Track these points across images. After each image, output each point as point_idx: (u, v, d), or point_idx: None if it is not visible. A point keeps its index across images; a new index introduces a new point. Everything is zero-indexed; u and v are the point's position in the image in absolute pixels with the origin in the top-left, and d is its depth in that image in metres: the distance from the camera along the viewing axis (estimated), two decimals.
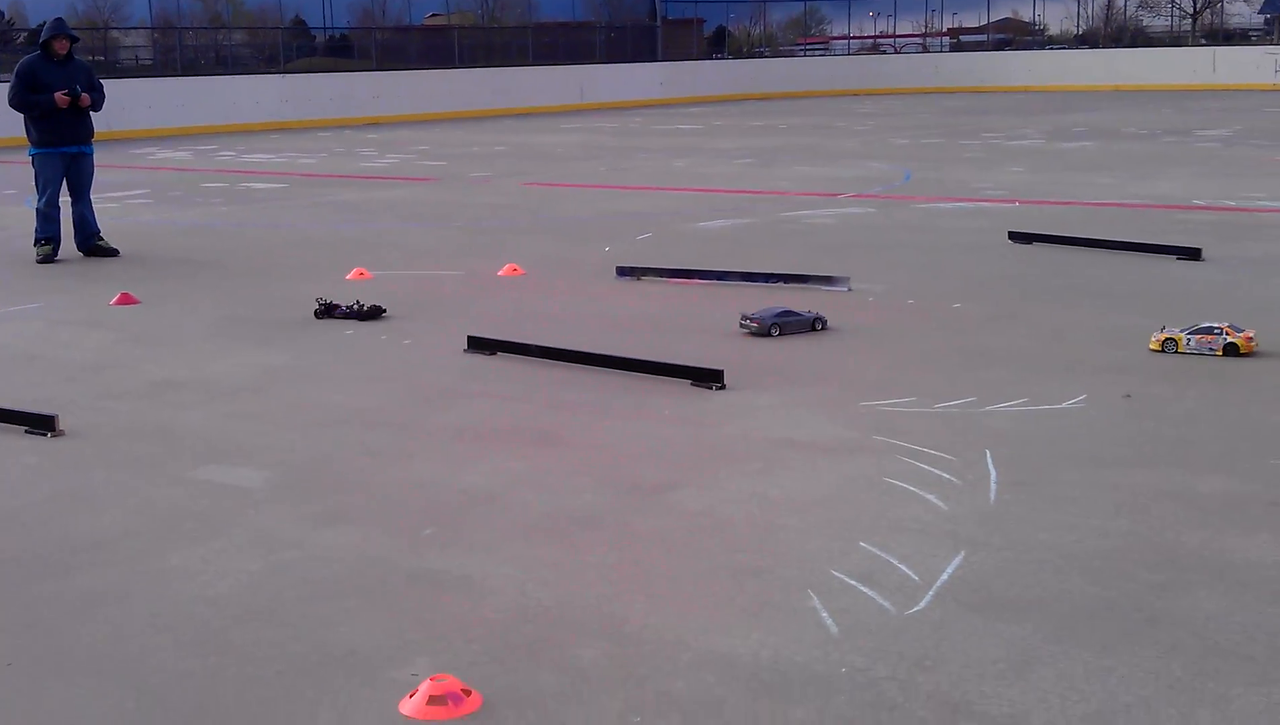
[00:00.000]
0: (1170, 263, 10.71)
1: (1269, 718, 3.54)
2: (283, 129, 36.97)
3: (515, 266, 11.27)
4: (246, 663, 4.05)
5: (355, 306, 9.48)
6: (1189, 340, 7.65)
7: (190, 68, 41.68)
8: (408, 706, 3.72)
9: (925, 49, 61.28)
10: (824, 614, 4.26)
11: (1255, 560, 4.62)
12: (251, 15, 48.12)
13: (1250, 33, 61.63)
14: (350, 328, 9.09)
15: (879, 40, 68.30)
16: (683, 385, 7.20)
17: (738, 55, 60.71)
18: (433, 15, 53.68)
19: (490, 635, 4.18)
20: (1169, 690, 3.71)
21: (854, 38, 66.03)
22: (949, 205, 15.17)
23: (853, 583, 4.51)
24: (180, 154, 28.17)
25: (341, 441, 6.39)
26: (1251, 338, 7.67)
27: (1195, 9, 57.99)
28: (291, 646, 4.15)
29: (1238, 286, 9.69)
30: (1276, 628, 4.08)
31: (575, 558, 4.81)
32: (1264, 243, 11.71)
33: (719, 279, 10.39)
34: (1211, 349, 7.61)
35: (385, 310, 9.56)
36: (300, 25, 48.30)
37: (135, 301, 10.23)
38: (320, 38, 48.60)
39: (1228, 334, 7.63)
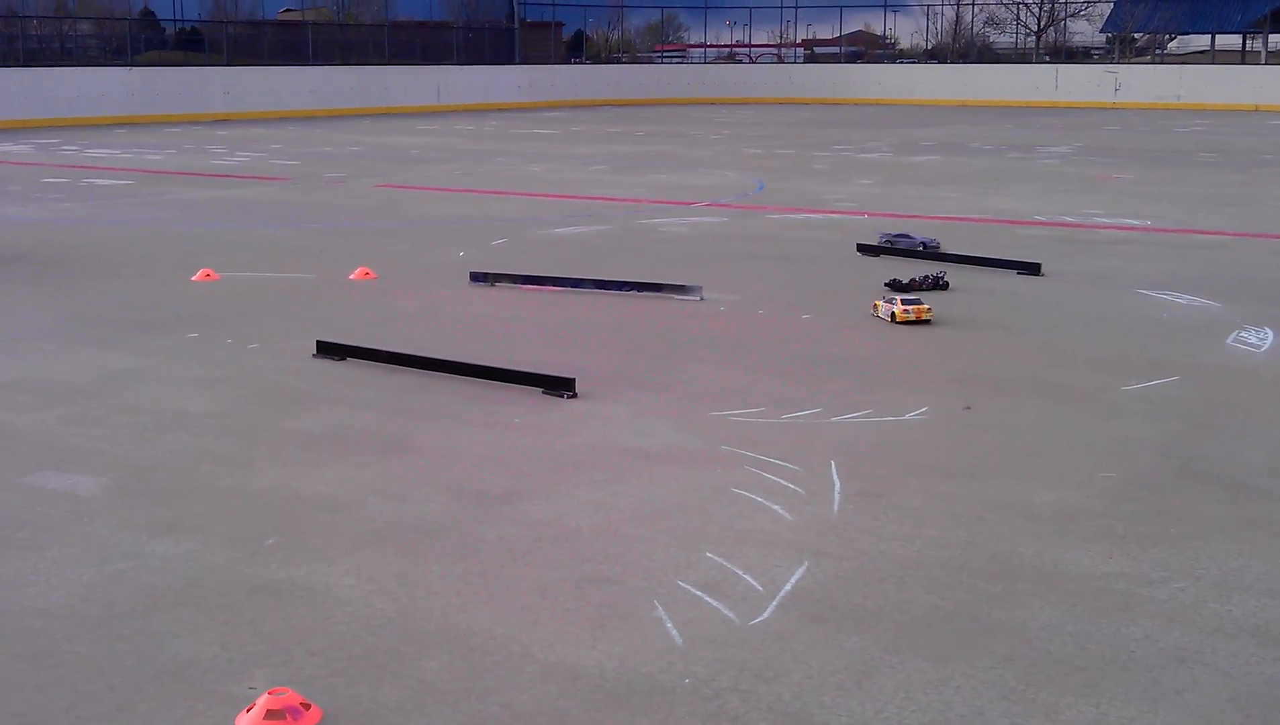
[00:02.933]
0: (1011, 277, 11.01)
1: None
2: (129, 123, 36.05)
3: (367, 270, 11.14)
4: (79, 676, 3.94)
5: (925, 278, 10.21)
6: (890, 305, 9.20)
7: (33, 58, 40.39)
8: (244, 721, 3.65)
9: (780, 59, 62.14)
10: (669, 624, 4.29)
11: (1087, 572, 4.76)
12: (98, 5, 46.83)
13: (1092, 51, 63.66)
14: (196, 331, 8.89)
15: (735, 49, 69.05)
16: (534, 393, 7.19)
17: (596, 60, 60.87)
18: (287, 10, 52.83)
19: (332, 647, 4.12)
20: (1002, 700, 3.81)
21: (711, 46, 66.64)
22: (800, 216, 15.39)
23: (698, 593, 4.54)
24: (20, 147, 27.30)
25: (182, 447, 6.25)
26: (911, 310, 9.12)
27: (1039, 27, 59.70)
28: (126, 659, 4.04)
29: (1075, 300, 9.99)
30: (1106, 638, 4.21)
31: (420, 568, 4.77)
32: (1101, 258, 12.09)
33: (572, 286, 10.40)
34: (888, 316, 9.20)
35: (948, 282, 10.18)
36: (149, 16, 47.17)
37: None
38: (170, 30, 47.50)
39: (899, 305, 9.15)
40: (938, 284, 10.36)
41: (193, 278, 10.83)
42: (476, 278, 10.70)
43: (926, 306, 9.18)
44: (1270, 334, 8.70)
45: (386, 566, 4.76)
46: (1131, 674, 3.96)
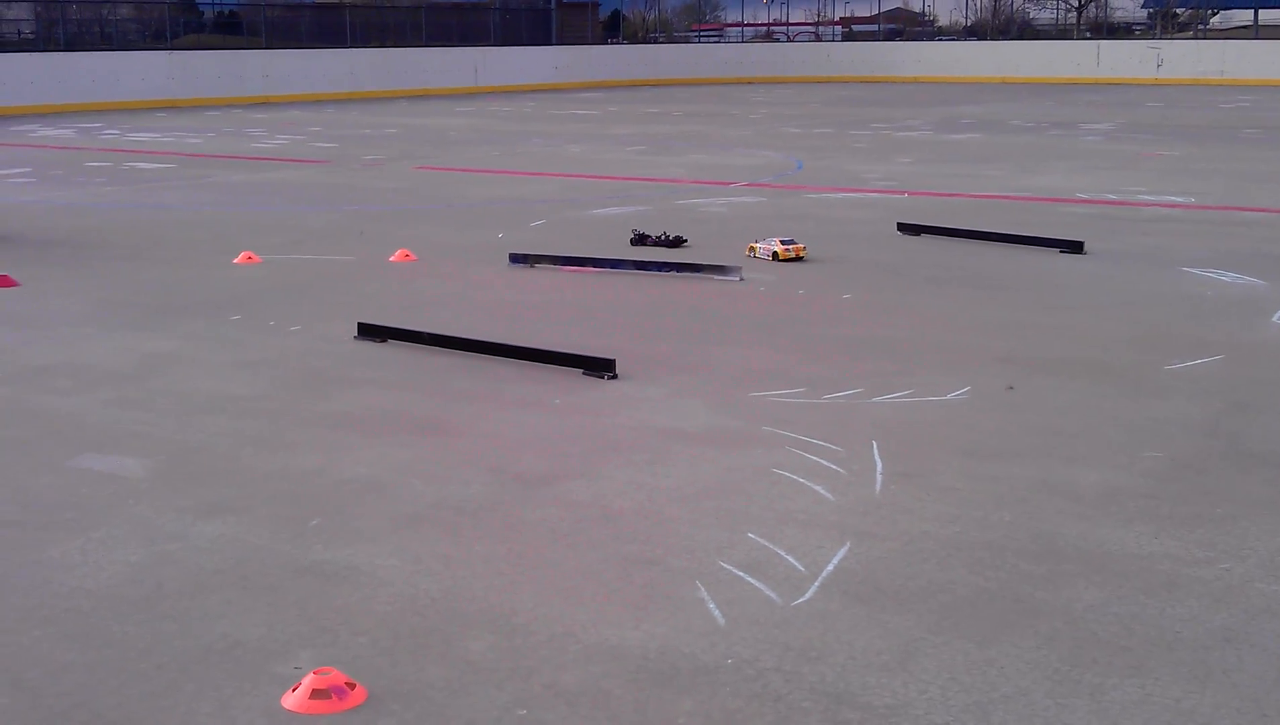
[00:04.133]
0: (1054, 255, 10.93)
1: (1143, 709, 3.64)
2: (169, 107, 36.27)
3: (407, 252, 11.17)
4: (127, 656, 3.98)
5: (663, 236, 11.52)
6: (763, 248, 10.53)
7: (74, 43, 40.66)
8: (290, 700, 3.68)
9: (818, 37, 61.85)
10: (711, 605, 4.29)
11: (1132, 552, 4.73)
12: None
13: (1134, 26, 63.05)
14: (237, 314, 8.95)
15: (773, 28, 68.75)
16: (574, 374, 7.20)
17: (633, 40, 60.74)
18: None
19: (376, 628, 4.15)
20: (1047, 681, 3.79)
21: (748, 25, 66.38)
22: (839, 195, 15.33)
23: (740, 573, 4.54)
24: (63, 132, 27.51)
25: (225, 430, 6.29)
26: (791, 249, 10.51)
27: (1080, 3, 59.14)
28: (173, 640, 4.08)
29: (1118, 278, 9.91)
30: (1151, 619, 4.19)
31: (463, 549, 4.79)
32: (1144, 236, 11.99)
33: (611, 267, 10.40)
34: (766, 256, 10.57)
35: (687, 240, 11.57)
36: (188, 1, 47.34)
37: (14, 284, 9.97)
38: (208, 14, 47.68)
39: (778, 244, 10.54)
40: (678, 241, 11.59)
41: (234, 261, 10.89)
42: (516, 259, 10.71)
43: (802, 245, 10.66)
44: None
45: (429, 547, 4.78)
46: (1177, 654, 3.94)
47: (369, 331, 8.12)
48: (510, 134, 25.83)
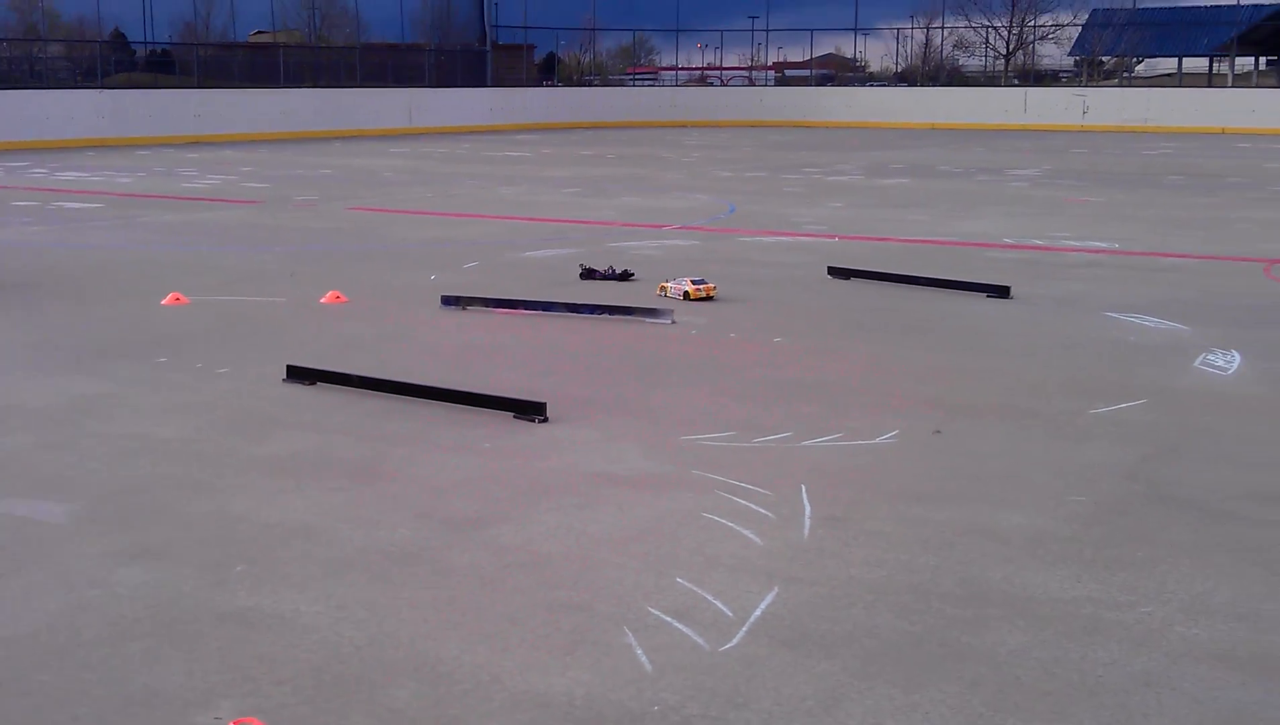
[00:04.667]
0: (981, 300, 11.06)
1: None
2: (100, 146, 35.93)
3: (338, 294, 11.12)
4: (44, 705, 3.91)
5: (610, 270, 11.80)
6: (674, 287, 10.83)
7: (3, 80, 40.20)
8: None
9: (751, 82, 62.38)
10: (639, 651, 4.29)
11: (1055, 595, 4.78)
12: (69, 27, 46.66)
13: (1061, 74, 64.17)
14: (165, 356, 8.86)
15: (707, 72, 69.30)
16: (505, 418, 7.19)
17: (568, 83, 60.98)
18: (258, 32, 52.74)
19: (299, 676, 4.10)
20: None
21: (682, 69, 66.87)
22: (771, 239, 15.44)
23: (668, 619, 4.54)
24: None
25: (152, 474, 6.21)
26: (701, 288, 10.77)
27: (1008, 50, 60.13)
28: (92, 689, 4.02)
29: (1044, 323, 10.05)
30: (1074, 662, 4.23)
31: (390, 595, 4.76)
32: (1068, 281, 12.17)
33: (544, 309, 10.40)
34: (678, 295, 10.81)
35: (635, 274, 11.98)
36: (119, 39, 47.01)
37: None
38: (140, 52, 47.34)
39: (689, 284, 10.81)
40: (626, 276, 11.91)
41: (162, 302, 10.78)
42: (448, 301, 10.68)
43: (712, 285, 10.96)
44: (1237, 357, 8.77)
45: (356, 593, 4.75)
46: (1098, 698, 3.98)
47: (298, 374, 8.07)
48: (444, 175, 25.81)
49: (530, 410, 7.21)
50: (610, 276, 11.90)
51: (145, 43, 46.68)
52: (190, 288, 11.48)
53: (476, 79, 53.40)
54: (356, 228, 16.92)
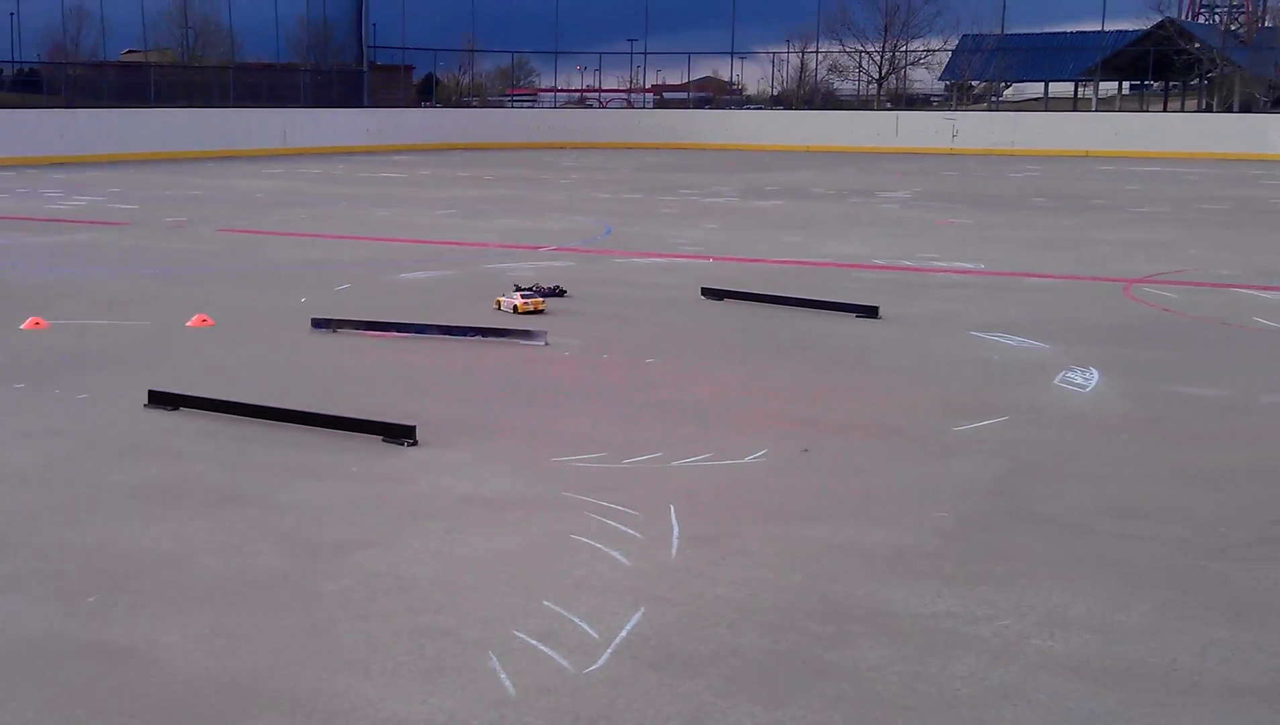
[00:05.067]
0: (851, 320, 11.21)
1: None
2: None
3: (205, 317, 10.92)
4: None
5: (534, 287, 12.06)
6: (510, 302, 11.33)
7: None
8: None
9: (630, 104, 62.68)
10: (503, 675, 4.26)
11: (916, 611, 4.85)
12: None
13: (932, 98, 65.45)
14: (21, 382, 8.62)
15: (585, 94, 69.49)
16: (374, 441, 7.11)
17: (447, 104, 60.71)
18: (129, 51, 51.74)
19: (152, 709, 4.01)
20: None
21: (561, 90, 66.98)
22: (646, 260, 15.50)
23: (533, 642, 4.52)
24: None
25: (7, 502, 6.04)
26: (530, 302, 11.33)
27: (881, 74, 61.19)
28: None
29: (911, 343, 10.21)
30: (933, 676, 4.29)
31: (250, 624, 4.67)
32: (936, 302, 12.39)
33: (417, 332, 10.32)
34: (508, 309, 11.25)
35: (566, 291, 12.35)
36: None
37: None
38: (7, 71, 46.15)
39: (519, 298, 11.36)
40: (557, 291, 12.29)
41: (21, 326, 10.50)
42: (318, 324, 10.55)
43: (541, 300, 11.49)
44: (1095, 375, 8.99)
45: (215, 623, 4.65)
46: (956, 712, 4.04)
47: (160, 399, 7.90)
48: (319, 196, 25.52)
49: (399, 433, 7.15)
50: (543, 292, 12.08)
51: (12, 62, 45.51)
52: (51, 312, 11.19)
53: (353, 99, 52.94)
54: (227, 250, 16.65)
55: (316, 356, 9.60)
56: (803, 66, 62.45)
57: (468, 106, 59.49)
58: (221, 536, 5.59)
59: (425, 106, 58.34)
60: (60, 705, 4.01)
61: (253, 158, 41.37)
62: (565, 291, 12.40)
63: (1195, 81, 62.24)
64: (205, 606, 4.81)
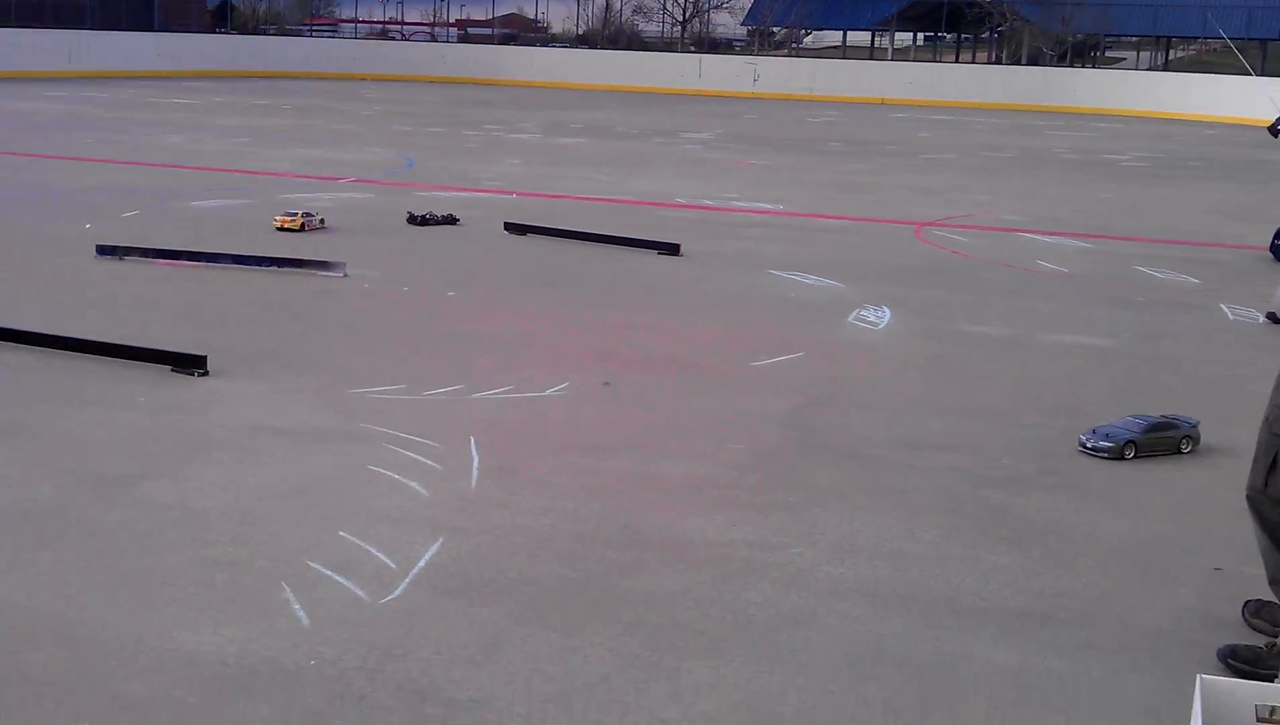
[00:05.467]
0: (653, 256, 11.27)
1: (717, 689, 3.79)
2: None
3: None
4: None
5: (429, 216, 12.47)
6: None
7: None
8: None
9: (433, 38, 61.68)
10: (296, 606, 4.18)
11: (712, 539, 4.92)
12: None
13: (734, 43, 66.02)
14: None
15: (388, 26, 68.11)
16: (163, 371, 6.88)
17: (243, 31, 58.79)
18: None
19: None
20: (628, 667, 3.89)
21: (363, 21, 65.50)
22: (449, 194, 15.30)
23: (329, 573, 4.45)
24: None
25: None
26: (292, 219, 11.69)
27: (685, 18, 61.42)
28: None
29: (711, 280, 10.32)
30: (728, 603, 4.37)
31: (28, 556, 4.49)
32: (735, 241, 12.54)
33: (209, 261, 10.01)
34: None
35: (459, 219, 12.50)
36: None
37: None
38: None
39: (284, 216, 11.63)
40: (450, 220, 12.57)
41: None
42: (104, 251, 10.15)
43: (298, 215, 11.86)
44: (887, 313, 9.22)
45: None
46: (750, 636, 4.12)
47: None
48: (106, 121, 24.49)
49: (189, 363, 6.94)
50: (434, 221, 12.37)
51: None
52: None
53: (143, 22, 50.84)
54: (7, 174, 15.86)
55: (102, 284, 9.24)
56: (608, 7, 62.31)
57: (265, 34, 57.71)
58: (1, 468, 5.34)
59: (220, 33, 56.40)
60: None
61: (36, 80, 39.45)
62: (458, 220, 12.69)
63: (986, 35, 64.07)
64: None
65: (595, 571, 4.54)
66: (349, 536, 4.74)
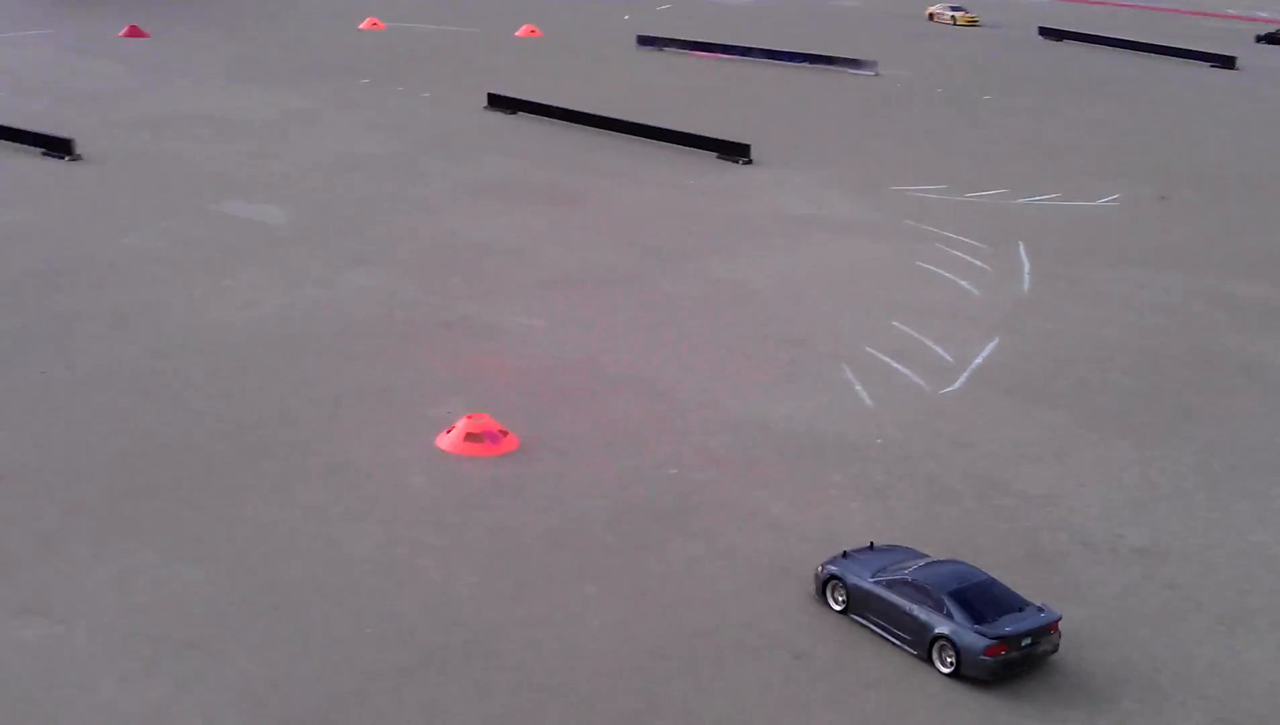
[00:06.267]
0: (1205, 70, 10.49)
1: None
2: None
3: (533, 28, 10.96)
4: (283, 387, 4.01)
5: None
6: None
7: None
8: (445, 442, 3.70)
9: None
10: (858, 386, 4.23)
11: None
12: None
13: None
14: (367, 77, 8.86)
15: None
16: (708, 157, 7.05)
17: None
18: None
19: (523, 381, 4.14)
20: (1207, 484, 3.69)
21: None
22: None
23: (887, 359, 4.47)
24: None
25: (365, 187, 6.27)
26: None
27: None
28: (329, 376, 4.10)
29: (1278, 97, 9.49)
30: None
31: (605, 314, 4.76)
32: None
33: (742, 54, 10.13)
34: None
35: None
36: None
37: (144, 35, 9.94)
38: None
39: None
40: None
41: (360, 26, 10.76)
42: (644, 41, 10.46)
43: (974, 15, 9.72)
44: None
45: (570, 310, 4.75)
46: None
47: (499, 102, 7.99)
48: None
49: (734, 151, 7.06)
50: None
51: None
52: (386, 13, 11.42)
53: None
54: None
55: (645, 72, 9.55)
56: None
57: None
58: (565, 233, 5.68)
59: None
60: (438, 370, 4.14)
61: None
62: None
63: None
64: (559, 293, 4.90)
65: (1165, 386, 4.34)
66: (903, 327, 4.73)
